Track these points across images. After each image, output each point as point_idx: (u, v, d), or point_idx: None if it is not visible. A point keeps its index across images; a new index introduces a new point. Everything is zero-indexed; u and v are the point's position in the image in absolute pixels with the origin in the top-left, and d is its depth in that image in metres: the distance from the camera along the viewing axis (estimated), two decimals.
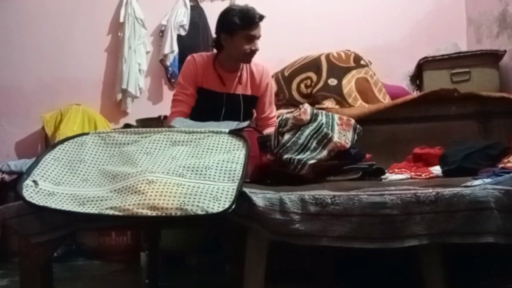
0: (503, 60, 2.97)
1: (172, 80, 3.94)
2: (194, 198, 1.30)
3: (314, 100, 2.88)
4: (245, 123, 1.96)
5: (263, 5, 3.96)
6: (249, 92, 2.43)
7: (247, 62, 2.40)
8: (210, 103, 2.35)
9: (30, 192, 1.38)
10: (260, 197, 1.34)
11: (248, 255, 1.38)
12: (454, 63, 2.94)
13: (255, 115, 2.51)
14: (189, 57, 2.45)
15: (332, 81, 2.88)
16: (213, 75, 2.38)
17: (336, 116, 1.90)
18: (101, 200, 1.36)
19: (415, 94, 3.22)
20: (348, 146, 1.78)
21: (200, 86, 2.37)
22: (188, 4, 4.01)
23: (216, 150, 1.58)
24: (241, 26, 2.28)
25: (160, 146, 1.62)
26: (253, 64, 2.47)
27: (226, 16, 2.33)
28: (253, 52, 2.33)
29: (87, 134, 1.70)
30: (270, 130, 2.25)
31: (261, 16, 2.33)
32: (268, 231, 1.33)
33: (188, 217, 1.29)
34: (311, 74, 2.94)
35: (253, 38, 2.30)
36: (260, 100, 2.46)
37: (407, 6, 3.84)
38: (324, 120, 1.83)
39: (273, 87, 2.58)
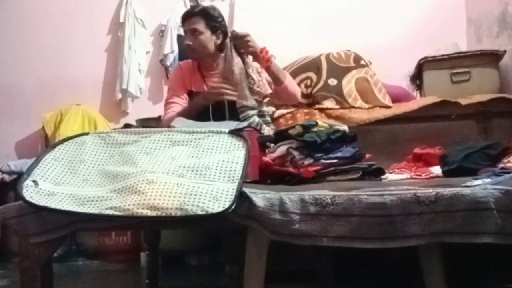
0: (503, 60, 2.97)
1: None
2: (194, 198, 1.30)
3: (314, 100, 2.89)
4: (245, 123, 1.97)
5: (264, 5, 4.00)
6: None
7: (192, 58, 2.48)
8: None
9: (30, 192, 1.38)
10: (260, 197, 1.34)
11: (248, 255, 1.39)
12: (454, 63, 2.94)
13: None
14: (176, 66, 2.68)
15: (332, 81, 2.88)
16: (198, 77, 2.47)
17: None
18: (101, 200, 1.36)
19: (415, 94, 3.23)
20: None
21: (190, 89, 2.46)
22: (188, 4, 4.00)
23: (216, 150, 1.58)
24: (181, 25, 2.51)
25: (160, 146, 1.62)
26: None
27: None
28: (186, 46, 2.44)
29: (87, 134, 1.70)
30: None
31: (193, 12, 2.43)
32: (268, 231, 1.33)
33: (188, 217, 1.29)
34: (311, 74, 2.94)
35: (185, 33, 2.44)
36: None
37: (407, 6, 3.84)
38: None
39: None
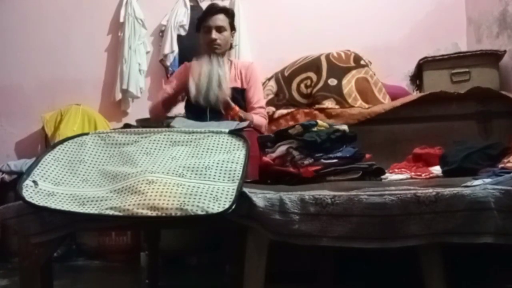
0: (503, 60, 2.97)
1: None
2: (194, 198, 1.30)
3: (314, 100, 2.88)
4: (245, 123, 1.97)
5: (264, 5, 4.00)
6: (238, 85, 2.52)
7: (212, 52, 2.48)
8: None
9: (30, 192, 1.38)
10: (260, 197, 1.34)
11: (248, 255, 1.39)
12: (454, 63, 2.94)
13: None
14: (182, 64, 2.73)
15: (332, 81, 2.88)
16: None
17: None
18: (101, 200, 1.36)
19: (415, 94, 3.22)
20: None
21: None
22: (188, 4, 4.01)
23: (216, 150, 1.58)
24: (200, 21, 2.52)
25: (160, 146, 1.62)
26: (241, 62, 2.68)
27: None
28: (211, 41, 2.45)
29: (87, 134, 1.70)
30: (254, 117, 2.44)
31: (219, 9, 2.51)
32: (268, 231, 1.33)
33: (188, 217, 1.29)
34: (311, 74, 2.94)
35: (210, 29, 2.46)
36: (247, 92, 2.54)
37: (407, 6, 3.84)
38: None
39: (259, 80, 2.67)
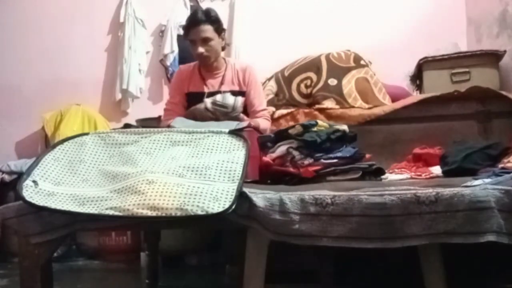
0: (503, 60, 2.97)
1: None
2: (194, 198, 1.30)
3: (314, 100, 2.88)
4: (245, 123, 1.97)
5: (263, 6, 4.00)
6: (236, 88, 2.47)
7: (204, 65, 2.46)
8: (194, 103, 2.43)
9: (30, 192, 1.38)
10: (260, 197, 1.34)
11: (248, 255, 1.39)
12: (454, 63, 2.94)
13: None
14: (177, 69, 2.66)
15: (332, 81, 2.88)
16: (197, 79, 2.49)
17: None
18: (101, 200, 1.36)
19: (415, 94, 3.22)
20: None
21: (187, 91, 2.47)
22: (188, 4, 4.01)
23: (216, 150, 1.58)
24: (184, 33, 2.45)
25: (160, 146, 1.62)
26: (238, 63, 2.59)
27: None
28: (199, 55, 2.38)
29: (87, 134, 1.70)
30: (260, 121, 2.41)
31: (200, 20, 2.35)
32: (268, 231, 1.33)
33: (188, 217, 1.29)
34: (311, 74, 2.94)
35: (195, 42, 2.37)
36: (247, 96, 2.49)
37: (407, 6, 3.84)
38: None
39: (259, 82, 2.62)
